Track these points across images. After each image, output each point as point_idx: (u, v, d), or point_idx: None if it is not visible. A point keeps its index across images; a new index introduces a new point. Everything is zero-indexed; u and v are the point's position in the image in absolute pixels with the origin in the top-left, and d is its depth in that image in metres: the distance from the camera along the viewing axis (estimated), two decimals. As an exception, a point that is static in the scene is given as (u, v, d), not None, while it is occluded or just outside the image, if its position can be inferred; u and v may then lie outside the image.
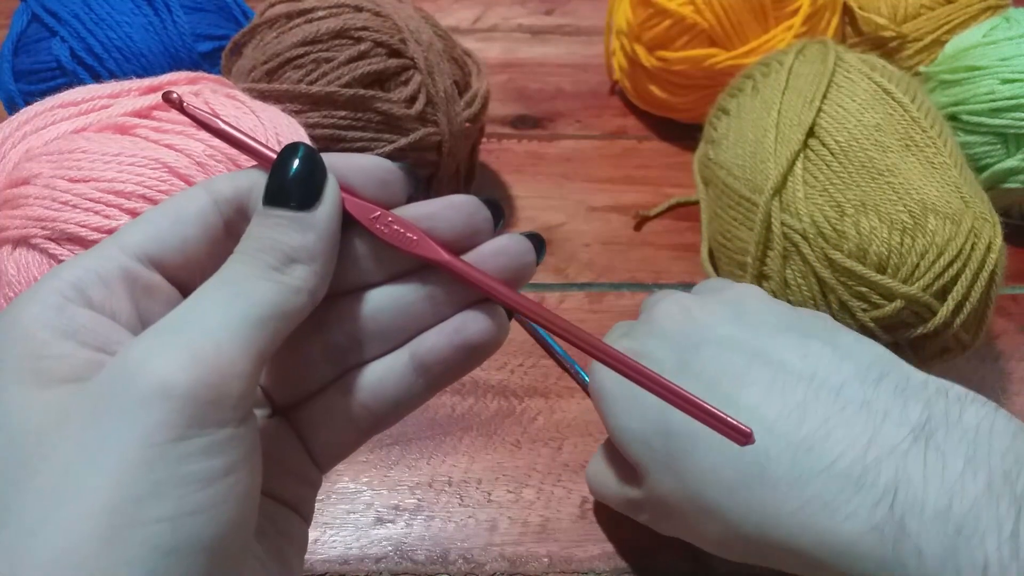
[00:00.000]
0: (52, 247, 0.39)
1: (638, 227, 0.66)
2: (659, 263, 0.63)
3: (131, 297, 0.22)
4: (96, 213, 0.39)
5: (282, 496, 0.26)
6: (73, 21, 0.60)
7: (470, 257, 0.26)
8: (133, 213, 0.39)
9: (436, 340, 0.26)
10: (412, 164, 0.55)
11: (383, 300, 0.26)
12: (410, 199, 0.26)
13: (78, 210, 0.39)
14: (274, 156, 0.24)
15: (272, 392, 0.27)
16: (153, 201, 0.39)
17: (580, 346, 0.25)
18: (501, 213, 0.27)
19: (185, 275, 0.24)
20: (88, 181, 0.39)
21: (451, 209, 0.26)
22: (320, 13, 0.55)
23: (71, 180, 0.39)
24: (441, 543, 0.46)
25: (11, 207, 0.40)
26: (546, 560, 0.45)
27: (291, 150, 0.24)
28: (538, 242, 0.27)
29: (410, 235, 0.25)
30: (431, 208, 0.26)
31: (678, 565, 0.45)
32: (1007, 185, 0.59)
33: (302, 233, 0.22)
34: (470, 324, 0.26)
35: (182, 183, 0.40)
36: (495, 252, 0.26)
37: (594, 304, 0.59)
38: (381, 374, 0.26)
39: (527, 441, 0.50)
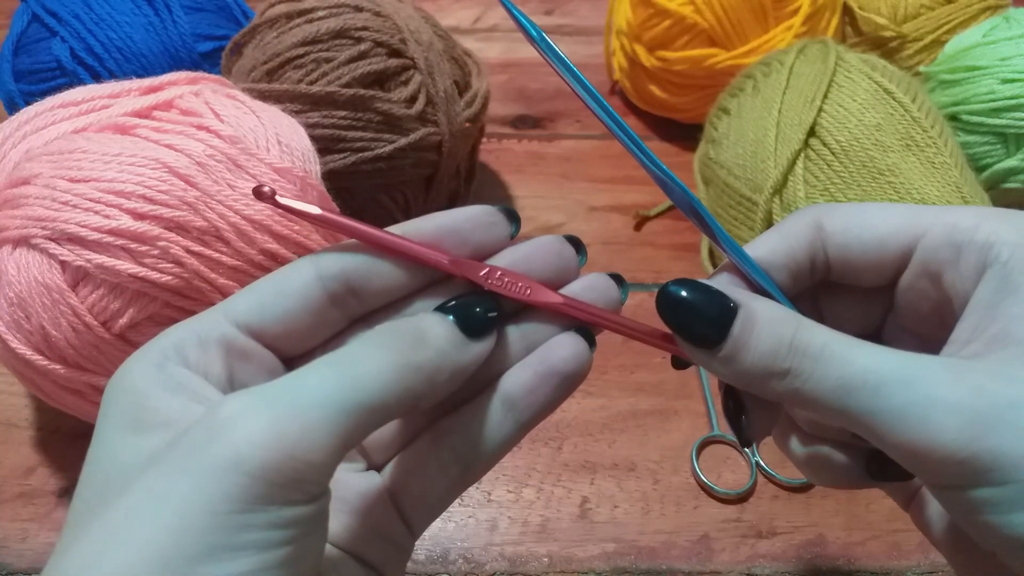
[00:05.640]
0: (52, 247, 0.39)
1: (638, 227, 0.66)
2: (659, 263, 0.63)
3: (224, 360, 0.23)
4: (96, 213, 0.39)
5: (369, 559, 0.25)
6: (73, 21, 0.60)
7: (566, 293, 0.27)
8: (133, 213, 0.39)
9: (521, 373, 0.26)
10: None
11: None
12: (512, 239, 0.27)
13: (78, 210, 0.39)
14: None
15: (367, 447, 0.27)
16: (153, 201, 0.39)
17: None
18: (582, 247, 0.28)
19: (285, 343, 0.25)
20: (88, 181, 0.39)
21: (542, 251, 0.27)
22: (320, 13, 0.55)
23: (71, 180, 0.39)
24: (441, 543, 0.46)
25: (11, 207, 0.40)
26: (546, 560, 0.45)
27: (482, 301, 0.25)
28: (617, 279, 0.28)
29: (522, 284, 0.26)
30: (526, 253, 0.27)
31: (678, 565, 0.45)
32: (1007, 185, 0.59)
33: (459, 350, 0.23)
34: (554, 353, 0.26)
35: (182, 183, 0.40)
36: (587, 288, 0.27)
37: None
38: (469, 416, 0.26)
39: (527, 441, 0.50)
